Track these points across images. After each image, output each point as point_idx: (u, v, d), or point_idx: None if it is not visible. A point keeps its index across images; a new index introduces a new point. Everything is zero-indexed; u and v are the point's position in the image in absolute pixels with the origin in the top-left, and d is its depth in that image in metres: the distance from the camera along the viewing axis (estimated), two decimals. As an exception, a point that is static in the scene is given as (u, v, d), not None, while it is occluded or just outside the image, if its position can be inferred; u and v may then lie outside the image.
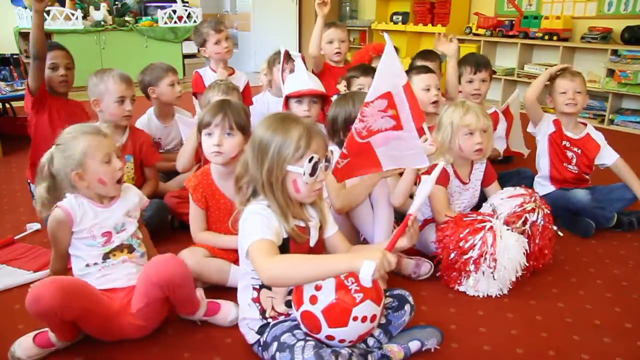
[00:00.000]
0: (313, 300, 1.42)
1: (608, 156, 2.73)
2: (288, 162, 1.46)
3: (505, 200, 2.12)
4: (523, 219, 2.03)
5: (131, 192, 1.88)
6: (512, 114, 3.41)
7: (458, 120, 2.22)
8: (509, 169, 3.10)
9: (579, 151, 2.73)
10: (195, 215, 2.09)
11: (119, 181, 1.78)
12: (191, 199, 2.07)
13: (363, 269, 1.26)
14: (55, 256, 1.79)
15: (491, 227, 1.95)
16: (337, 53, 3.32)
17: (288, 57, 2.87)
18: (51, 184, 1.75)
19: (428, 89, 2.66)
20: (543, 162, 2.79)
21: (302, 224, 1.57)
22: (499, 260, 1.92)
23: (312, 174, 1.47)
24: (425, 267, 2.11)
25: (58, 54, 2.81)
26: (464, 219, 2.02)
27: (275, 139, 1.47)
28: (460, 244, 1.95)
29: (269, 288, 1.56)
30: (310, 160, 1.46)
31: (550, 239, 2.11)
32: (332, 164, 1.60)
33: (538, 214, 2.06)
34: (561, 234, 2.20)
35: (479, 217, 2.01)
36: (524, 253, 1.96)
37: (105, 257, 1.75)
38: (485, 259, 1.93)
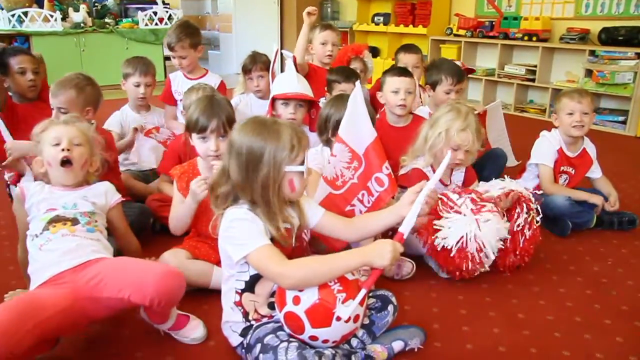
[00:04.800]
0: (296, 300, 1.42)
1: (596, 170, 2.74)
2: (286, 164, 1.47)
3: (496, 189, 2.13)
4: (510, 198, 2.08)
5: (100, 184, 1.89)
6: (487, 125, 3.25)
7: (454, 133, 2.17)
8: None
9: (573, 171, 2.70)
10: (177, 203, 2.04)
11: (66, 163, 1.76)
12: (175, 187, 2.06)
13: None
14: (20, 241, 1.82)
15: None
16: (328, 55, 3.32)
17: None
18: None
19: (397, 92, 2.65)
20: (532, 181, 2.72)
21: (288, 226, 1.56)
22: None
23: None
24: (407, 267, 2.12)
25: (25, 59, 2.79)
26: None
27: (268, 145, 1.46)
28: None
29: (252, 291, 1.55)
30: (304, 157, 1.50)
31: (537, 235, 2.16)
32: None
33: (530, 213, 2.11)
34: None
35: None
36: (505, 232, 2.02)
37: (45, 228, 1.67)
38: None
